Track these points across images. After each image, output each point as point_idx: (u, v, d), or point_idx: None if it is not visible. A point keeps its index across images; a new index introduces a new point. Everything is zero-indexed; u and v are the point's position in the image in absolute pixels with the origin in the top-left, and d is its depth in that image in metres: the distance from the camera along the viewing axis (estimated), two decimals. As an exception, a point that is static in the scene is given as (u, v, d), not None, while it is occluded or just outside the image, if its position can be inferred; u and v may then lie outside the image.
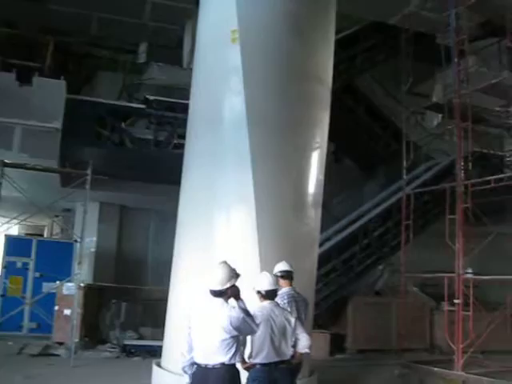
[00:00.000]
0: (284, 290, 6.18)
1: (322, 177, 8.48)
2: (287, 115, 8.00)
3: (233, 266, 5.04)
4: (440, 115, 16.75)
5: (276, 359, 5.37)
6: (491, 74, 12.30)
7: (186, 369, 5.01)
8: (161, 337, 8.59)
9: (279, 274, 6.20)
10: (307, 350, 5.64)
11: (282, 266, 6.31)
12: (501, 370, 10.63)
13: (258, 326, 5.10)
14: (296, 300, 6.20)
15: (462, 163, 11.10)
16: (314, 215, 8.29)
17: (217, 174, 7.94)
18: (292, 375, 5.61)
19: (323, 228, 12.57)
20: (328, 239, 13.08)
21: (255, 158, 7.62)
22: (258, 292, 5.59)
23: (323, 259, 12.60)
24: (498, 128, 20.32)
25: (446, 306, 11.19)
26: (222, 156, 7.97)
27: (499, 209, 12.03)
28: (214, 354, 4.76)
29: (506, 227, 11.51)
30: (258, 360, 5.31)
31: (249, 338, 5.29)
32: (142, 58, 15.08)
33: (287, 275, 6.27)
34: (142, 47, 15.17)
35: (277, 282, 5.84)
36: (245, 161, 7.63)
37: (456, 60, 11.43)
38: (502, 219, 11.71)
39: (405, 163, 12.46)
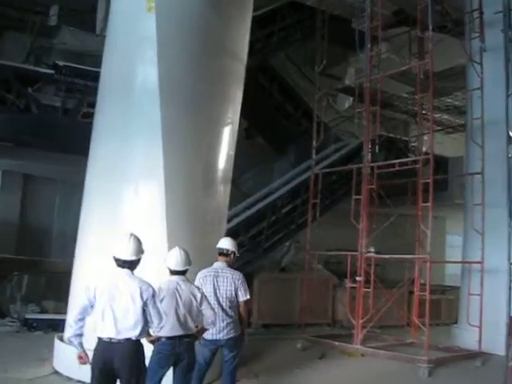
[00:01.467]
0: (214, 264, 6.42)
1: (232, 153, 8.51)
2: (200, 89, 7.94)
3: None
4: (351, 98, 17.23)
5: (181, 333, 5.39)
6: (401, 62, 12.69)
7: (73, 339, 4.81)
8: (64, 310, 8.37)
9: (217, 250, 6.48)
10: (212, 326, 5.73)
11: (220, 243, 6.54)
12: (395, 344, 11.20)
13: (161, 301, 5.11)
14: (216, 275, 6.30)
15: (369, 146, 11.45)
16: (223, 191, 8.34)
17: (126, 146, 7.79)
18: (193, 349, 5.65)
19: (232, 204, 12.68)
20: (236, 215, 13.15)
21: (166, 130, 7.54)
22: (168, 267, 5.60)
23: (231, 235, 12.60)
24: (405, 114, 21.21)
25: (348, 283, 11.60)
26: (132, 128, 7.83)
27: (401, 191, 12.52)
28: (122, 328, 4.69)
29: (406, 209, 12.01)
30: (162, 333, 5.31)
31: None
32: (52, 20, 14.38)
33: (221, 252, 6.48)
34: (53, 9, 14.47)
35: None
36: (155, 133, 7.52)
37: (369, 46, 11.70)
38: (404, 201, 12.20)
39: (314, 143, 12.68)
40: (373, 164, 11.26)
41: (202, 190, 7.85)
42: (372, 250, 14.07)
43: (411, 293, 12.29)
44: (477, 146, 11.14)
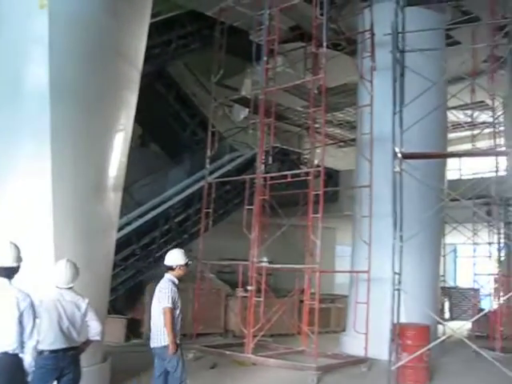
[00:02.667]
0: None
1: (124, 159, 8.31)
2: (93, 92, 7.67)
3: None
4: (247, 109, 17.41)
5: (65, 346, 5.18)
6: (296, 76, 12.97)
7: None
8: None
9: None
10: (97, 338, 5.54)
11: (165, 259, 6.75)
12: (286, 352, 11.36)
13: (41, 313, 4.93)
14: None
15: (263, 157, 11.59)
16: (114, 198, 8.11)
17: (13, 147, 7.38)
18: (79, 362, 5.45)
19: (125, 212, 12.42)
20: (129, 223, 12.90)
21: (55, 132, 7.20)
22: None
23: (123, 244, 12.43)
24: (299, 127, 21.75)
25: (239, 293, 11.64)
26: (21, 129, 7.42)
27: (293, 202, 12.77)
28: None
29: (298, 220, 12.27)
30: (45, 346, 5.07)
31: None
32: None
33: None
34: None
35: None
36: (44, 136, 7.17)
37: (265, 58, 11.87)
38: (295, 212, 12.45)
39: (209, 152, 12.68)
40: (266, 175, 11.40)
41: (92, 195, 7.58)
42: (265, 259, 14.23)
43: (302, 302, 12.53)
44: (366, 160, 11.59)
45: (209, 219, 12.39)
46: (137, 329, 13.17)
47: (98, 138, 7.76)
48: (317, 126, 13.83)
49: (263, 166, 11.47)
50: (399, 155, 8.93)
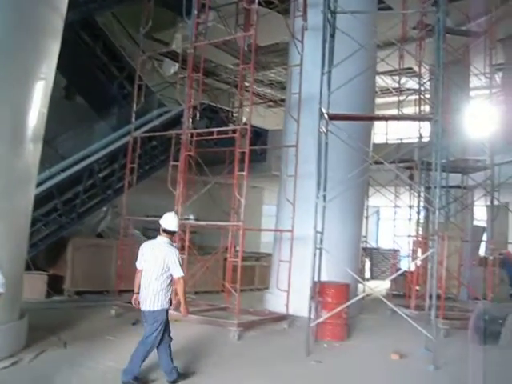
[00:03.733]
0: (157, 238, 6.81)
1: (45, 110, 7.94)
2: (11, 38, 7.19)
3: None
4: (177, 64, 17.06)
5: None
6: (227, 32, 12.76)
7: None
8: None
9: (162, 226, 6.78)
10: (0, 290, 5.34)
11: (166, 223, 6.75)
12: (209, 309, 11.45)
13: None
14: (153, 248, 6.67)
15: (191, 113, 11.41)
16: (32, 150, 7.76)
17: None
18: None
19: (47, 166, 12.01)
20: (51, 177, 12.46)
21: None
22: None
23: (44, 198, 12.07)
24: (229, 85, 21.53)
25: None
26: None
27: (220, 160, 12.71)
28: None
29: (224, 178, 12.24)
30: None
31: None
32: None
33: (165, 230, 6.77)
34: None
35: None
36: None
37: (196, 12, 11.58)
38: (221, 170, 12.41)
39: (135, 107, 12.34)
40: (192, 131, 11.25)
41: (8, 147, 7.22)
42: (191, 217, 14.14)
43: (226, 259, 12.61)
44: (293, 120, 11.63)
45: (133, 175, 12.13)
46: (58, 285, 12.91)
47: (15, 86, 7.34)
48: (247, 84, 13.74)
49: (190, 121, 11.31)
50: (325, 116, 9.01)
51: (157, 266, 6.48)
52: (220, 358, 8.00)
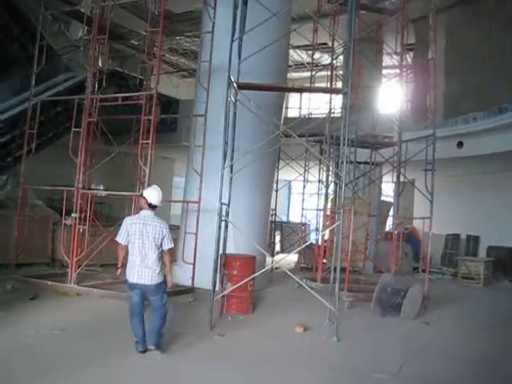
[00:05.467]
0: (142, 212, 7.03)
1: None
2: None
3: None
4: (86, 27, 16.25)
5: None
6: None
7: None
8: None
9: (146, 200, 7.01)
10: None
11: (151, 197, 6.99)
12: (112, 282, 11.08)
13: None
14: (145, 223, 6.83)
15: (95, 78, 10.89)
16: None
17: None
18: None
19: None
20: None
21: None
22: None
23: None
24: (141, 52, 20.78)
25: (64, 220, 11.10)
26: None
27: (126, 129, 12.26)
28: None
29: (129, 148, 11.83)
30: None
31: None
32: None
33: (150, 204, 7.00)
34: None
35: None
36: None
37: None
38: (127, 139, 11.97)
39: (35, 69, 11.60)
40: (95, 96, 10.72)
41: None
42: (101, 187, 13.62)
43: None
44: (203, 89, 11.32)
45: (33, 142, 11.42)
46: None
47: None
48: (162, 53, 13.29)
49: (94, 86, 10.78)
50: (234, 85, 8.79)
51: (153, 241, 6.77)
52: (118, 333, 7.71)
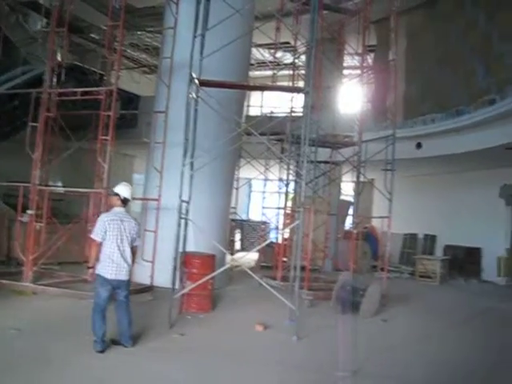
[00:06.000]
0: (116, 209, 7.09)
1: None
2: None
3: None
4: (45, 19, 15.93)
5: None
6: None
7: None
8: None
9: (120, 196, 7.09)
10: None
11: (123, 191, 7.10)
12: (69, 281, 10.89)
13: None
14: (122, 220, 6.96)
15: (54, 71, 10.67)
16: None
17: None
18: None
19: None
20: None
21: None
22: None
23: None
24: (103, 47, 20.47)
25: (19, 217, 10.85)
26: None
27: (85, 124, 12.03)
28: None
29: (88, 143, 11.62)
30: None
31: None
32: None
33: (124, 200, 7.11)
34: None
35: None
36: None
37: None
38: (86, 135, 11.75)
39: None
40: (53, 90, 10.50)
41: None
42: (59, 184, 13.33)
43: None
44: (165, 85, 11.22)
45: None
46: None
47: None
48: (124, 49, 13.10)
49: (53, 80, 10.56)
50: (196, 81, 8.73)
51: (129, 237, 6.95)
52: (76, 332, 7.56)
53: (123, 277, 6.91)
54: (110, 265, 6.81)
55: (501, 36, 14.27)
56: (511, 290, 13.03)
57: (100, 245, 6.86)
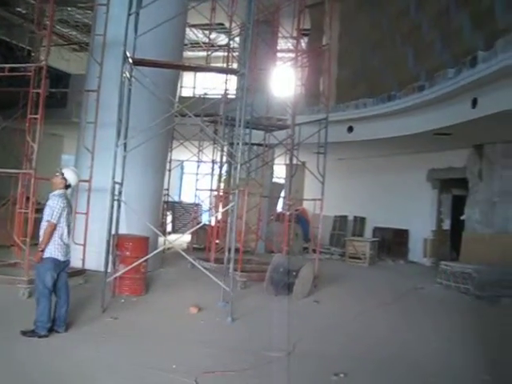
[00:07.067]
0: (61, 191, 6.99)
1: None
2: None
3: None
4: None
5: None
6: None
7: None
8: None
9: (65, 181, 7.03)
10: None
11: (71, 178, 7.08)
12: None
13: None
14: (67, 200, 7.04)
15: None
16: None
17: None
18: None
19: None
20: None
21: None
22: None
23: None
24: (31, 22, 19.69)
25: None
26: None
27: (13, 102, 11.56)
28: None
29: (16, 122, 11.16)
30: None
31: None
32: None
33: (68, 185, 7.08)
34: None
35: None
36: None
37: None
38: (14, 114, 11.29)
39: None
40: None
41: None
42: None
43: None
44: (97, 63, 10.91)
45: None
46: None
47: None
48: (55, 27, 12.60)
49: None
50: (130, 60, 8.54)
51: (70, 218, 7.06)
52: (7, 319, 7.32)
53: (70, 257, 7.08)
54: (62, 246, 6.85)
55: (430, 25, 14.66)
56: (436, 271, 13.51)
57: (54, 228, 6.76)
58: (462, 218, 15.27)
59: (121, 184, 8.77)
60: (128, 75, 8.78)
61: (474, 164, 14.90)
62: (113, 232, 8.81)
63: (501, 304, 10.89)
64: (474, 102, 11.30)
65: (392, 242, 18.42)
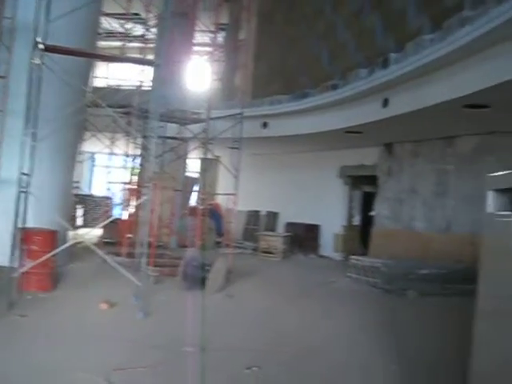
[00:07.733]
0: None
1: None
2: None
3: None
4: None
5: None
6: None
7: None
8: None
9: None
10: None
11: None
12: None
13: None
14: None
15: None
16: None
17: None
18: None
19: None
20: None
21: None
22: None
23: None
24: None
25: None
26: None
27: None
28: None
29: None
30: None
31: None
32: None
33: None
34: None
35: None
36: None
37: None
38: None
39: None
40: None
41: None
42: None
43: None
44: (5, 48, 10.40)
45: None
46: None
47: None
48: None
49: None
50: (41, 46, 8.21)
51: None
52: None
53: None
54: None
55: (344, 25, 15.03)
56: (346, 265, 13.91)
57: None
58: (371, 213, 15.78)
59: (28, 175, 8.42)
60: (39, 62, 8.43)
61: (383, 162, 15.45)
62: (20, 225, 8.44)
63: (407, 296, 11.35)
64: (386, 102, 11.69)
65: (304, 237, 18.77)
